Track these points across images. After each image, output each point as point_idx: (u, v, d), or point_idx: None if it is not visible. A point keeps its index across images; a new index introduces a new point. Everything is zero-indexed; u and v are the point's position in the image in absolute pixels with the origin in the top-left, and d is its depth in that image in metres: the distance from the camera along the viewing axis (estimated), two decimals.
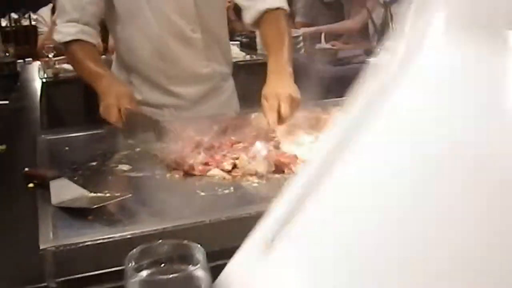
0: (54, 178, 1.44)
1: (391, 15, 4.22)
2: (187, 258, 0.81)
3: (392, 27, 4.25)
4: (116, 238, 1.16)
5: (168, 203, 1.41)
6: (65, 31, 2.14)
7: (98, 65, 2.12)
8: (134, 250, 0.80)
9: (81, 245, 1.14)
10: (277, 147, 1.77)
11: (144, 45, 2.24)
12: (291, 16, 3.49)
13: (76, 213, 1.31)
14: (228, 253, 1.02)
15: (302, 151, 1.69)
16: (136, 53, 2.28)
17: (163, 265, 0.82)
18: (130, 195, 1.35)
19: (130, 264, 0.79)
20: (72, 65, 2.44)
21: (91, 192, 1.43)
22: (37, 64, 4.48)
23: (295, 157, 1.62)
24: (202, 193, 1.45)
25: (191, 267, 0.79)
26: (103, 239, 1.16)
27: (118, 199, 1.33)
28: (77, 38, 2.12)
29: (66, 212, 1.32)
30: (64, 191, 1.40)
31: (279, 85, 1.93)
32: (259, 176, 1.55)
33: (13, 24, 7.21)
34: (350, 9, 5.05)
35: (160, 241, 0.83)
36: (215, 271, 0.82)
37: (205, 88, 2.37)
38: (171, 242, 0.83)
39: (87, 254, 1.13)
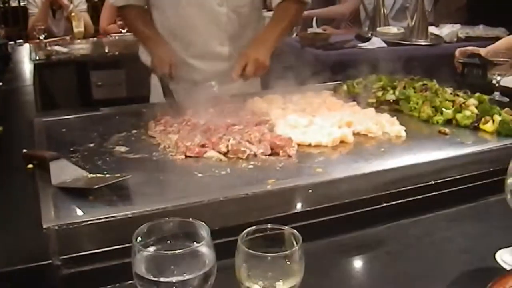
0: (53, 159, 1.45)
1: (383, 1, 4.24)
2: (192, 235, 0.85)
3: (383, 13, 4.28)
4: (118, 217, 1.19)
5: (167, 184, 1.45)
6: None
7: (146, 26, 2.39)
8: (142, 227, 0.84)
9: (83, 224, 1.17)
10: (271, 129, 1.80)
11: (171, 14, 2.33)
12: None
13: (76, 193, 1.33)
14: (225, 232, 1.07)
15: (296, 134, 1.73)
16: (164, 21, 2.38)
17: (169, 241, 0.85)
18: (130, 176, 1.37)
19: (138, 240, 0.82)
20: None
21: (90, 173, 1.45)
22: (28, 45, 4.46)
23: (290, 139, 1.65)
24: (200, 174, 1.48)
25: (196, 244, 0.83)
26: (105, 218, 1.19)
27: (118, 179, 1.35)
28: (127, 4, 2.39)
29: (66, 192, 1.35)
30: (64, 172, 1.42)
31: (254, 50, 2.24)
32: None
33: (1, 5, 7.13)
34: None
35: (167, 218, 0.86)
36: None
37: (222, 67, 2.39)
38: (177, 220, 0.86)
39: (89, 233, 1.16)
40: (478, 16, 4.40)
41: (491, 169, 1.49)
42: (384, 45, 3.89)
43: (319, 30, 4.41)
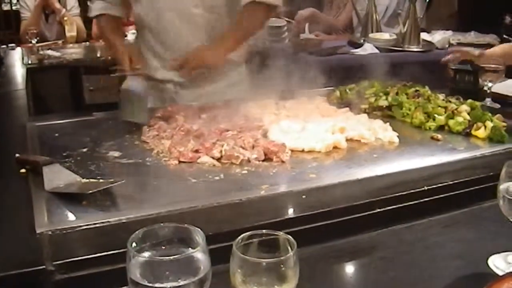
0: (46, 164, 1.45)
1: (375, 7, 4.26)
2: (187, 241, 0.85)
3: (376, 19, 4.30)
4: (111, 223, 1.19)
5: (160, 189, 1.44)
6: (93, 7, 2.46)
7: (116, 36, 2.39)
8: (137, 232, 0.84)
9: (77, 229, 1.17)
10: (264, 135, 1.81)
11: (152, 18, 2.36)
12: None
13: (69, 198, 1.33)
14: (220, 237, 1.07)
15: (289, 139, 1.73)
16: (146, 26, 2.40)
17: (164, 247, 0.85)
18: (123, 181, 1.37)
19: (133, 246, 0.82)
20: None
21: (83, 178, 1.45)
22: (20, 49, 4.44)
23: (283, 145, 1.66)
24: (193, 180, 1.48)
25: (191, 250, 0.83)
26: (99, 223, 1.19)
27: (112, 184, 1.35)
28: (101, 13, 2.42)
29: (60, 197, 1.34)
30: (57, 176, 1.42)
31: (205, 48, 2.29)
32: None
33: None
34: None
35: (162, 224, 0.86)
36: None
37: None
38: (172, 226, 0.86)
39: (83, 238, 1.15)
40: (469, 23, 4.43)
41: (484, 175, 1.50)
42: (377, 51, 3.90)
43: (312, 36, 4.41)
